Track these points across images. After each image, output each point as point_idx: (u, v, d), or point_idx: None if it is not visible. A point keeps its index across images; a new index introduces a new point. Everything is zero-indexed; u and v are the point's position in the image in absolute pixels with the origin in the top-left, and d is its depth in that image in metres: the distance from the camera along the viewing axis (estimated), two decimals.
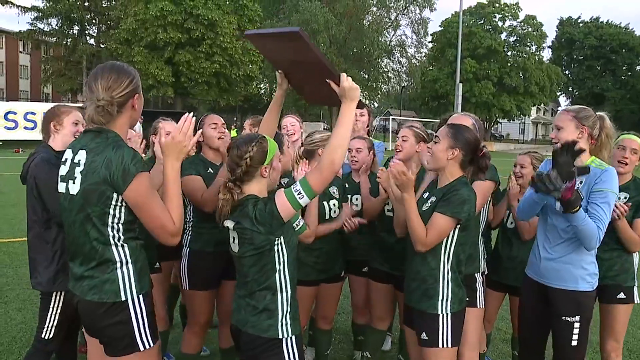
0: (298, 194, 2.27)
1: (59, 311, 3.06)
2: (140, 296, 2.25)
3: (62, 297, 3.05)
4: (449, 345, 2.68)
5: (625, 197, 3.38)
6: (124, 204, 2.19)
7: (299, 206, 2.31)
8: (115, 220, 2.20)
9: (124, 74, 2.25)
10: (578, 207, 2.64)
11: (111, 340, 2.24)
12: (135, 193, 2.15)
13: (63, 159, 2.31)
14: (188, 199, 3.34)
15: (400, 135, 3.60)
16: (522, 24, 56.41)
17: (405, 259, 2.95)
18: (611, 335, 3.48)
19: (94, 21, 45.98)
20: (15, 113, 26.62)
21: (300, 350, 2.39)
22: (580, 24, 63.83)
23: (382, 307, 3.72)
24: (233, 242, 2.43)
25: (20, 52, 55.34)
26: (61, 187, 2.28)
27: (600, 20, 62.92)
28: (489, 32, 54.71)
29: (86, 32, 45.93)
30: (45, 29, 43.42)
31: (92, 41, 46.12)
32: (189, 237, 3.42)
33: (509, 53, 56.51)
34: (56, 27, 43.58)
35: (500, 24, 56.49)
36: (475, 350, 3.18)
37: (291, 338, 2.36)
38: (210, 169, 3.41)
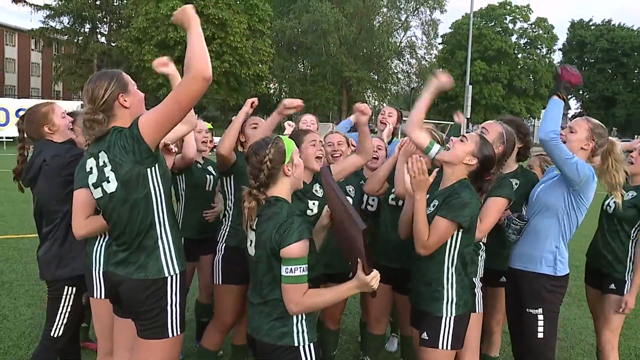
0: None
1: (69, 309, 3.07)
2: (178, 275, 2.39)
3: (74, 294, 3.05)
4: (448, 348, 2.68)
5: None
6: (158, 176, 2.32)
7: None
8: (158, 196, 2.34)
9: (101, 81, 2.36)
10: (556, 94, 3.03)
11: (147, 323, 2.36)
12: (144, 123, 2.23)
13: (88, 169, 2.39)
14: (232, 195, 3.50)
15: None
16: (533, 26, 56.20)
17: (403, 252, 2.99)
18: (605, 326, 3.55)
19: (105, 20, 46.24)
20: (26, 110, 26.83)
21: (318, 356, 2.35)
22: (592, 27, 63.36)
23: (378, 307, 3.69)
24: (250, 245, 2.42)
25: (32, 49, 55.74)
26: (97, 193, 2.38)
27: (612, 23, 62.40)
28: (500, 34, 54.54)
29: (97, 30, 46.19)
30: (57, 27, 43.71)
31: (103, 39, 46.41)
32: (226, 232, 3.48)
33: (519, 55, 56.30)
34: (68, 25, 43.86)
35: (510, 26, 56.32)
36: (475, 354, 3.16)
37: (308, 345, 2.30)
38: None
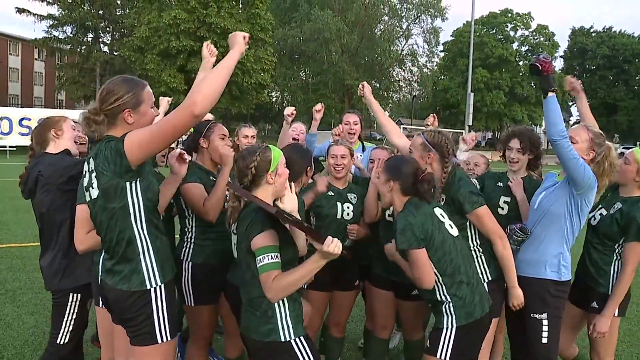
0: None
1: (74, 317, 3.09)
2: (162, 285, 2.41)
3: (79, 301, 3.07)
4: (447, 359, 2.69)
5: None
6: (138, 190, 2.34)
7: None
8: (140, 207, 2.36)
9: (117, 88, 2.39)
10: (550, 91, 2.96)
11: (134, 330, 2.40)
12: (129, 141, 2.24)
13: (83, 171, 2.46)
14: (190, 209, 3.26)
15: (376, 158, 3.81)
16: (534, 33, 56.38)
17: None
18: (592, 347, 3.49)
19: (107, 29, 46.44)
20: (29, 119, 26.92)
21: (312, 349, 2.42)
22: (593, 34, 63.53)
23: (383, 314, 3.72)
24: (234, 247, 2.56)
25: (36, 59, 56.06)
26: (87, 196, 2.43)
27: (613, 30, 62.56)
28: (501, 42, 54.71)
29: (100, 39, 46.38)
30: (60, 37, 43.92)
31: (105, 49, 46.56)
32: (190, 250, 3.26)
33: (521, 62, 56.41)
34: (71, 35, 44.06)
35: (512, 33, 56.50)
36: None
37: (299, 339, 2.38)
38: (212, 177, 3.32)
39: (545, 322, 3.11)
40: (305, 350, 2.38)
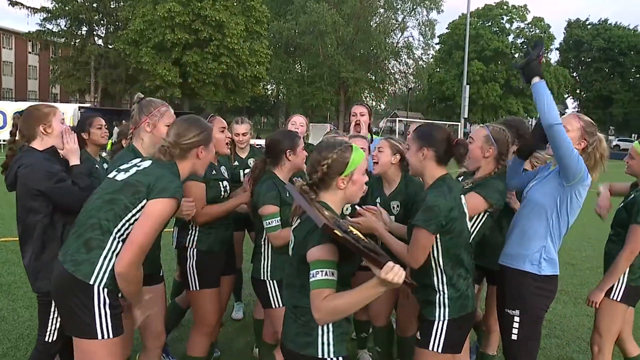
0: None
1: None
2: (106, 290, 2.36)
3: None
4: (439, 351, 2.65)
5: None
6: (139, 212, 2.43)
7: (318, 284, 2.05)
8: (132, 220, 2.40)
9: (195, 126, 2.66)
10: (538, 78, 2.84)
11: (69, 317, 2.38)
12: (152, 207, 2.39)
13: (130, 162, 2.62)
14: None
15: (377, 146, 3.55)
16: (530, 26, 56.37)
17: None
18: (594, 328, 3.53)
19: (102, 22, 46.27)
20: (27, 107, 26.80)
21: None
22: (589, 26, 63.51)
23: (380, 303, 3.59)
24: (291, 244, 2.36)
25: (29, 52, 55.78)
26: (112, 174, 2.57)
27: (609, 22, 62.57)
28: (496, 34, 54.68)
29: (94, 32, 46.22)
30: (54, 30, 43.74)
31: (100, 42, 46.43)
32: (195, 238, 3.36)
33: (517, 55, 56.38)
34: (65, 28, 43.92)
35: (507, 26, 56.47)
36: (466, 355, 3.18)
37: (336, 359, 2.17)
38: (213, 170, 3.40)
39: (517, 319, 2.98)
40: None
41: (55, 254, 2.92)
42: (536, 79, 2.85)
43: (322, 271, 2.03)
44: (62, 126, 3.17)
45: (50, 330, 3.05)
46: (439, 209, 2.51)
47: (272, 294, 3.24)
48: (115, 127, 3.58)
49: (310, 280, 2.04)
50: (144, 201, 2.39)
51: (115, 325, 2.39)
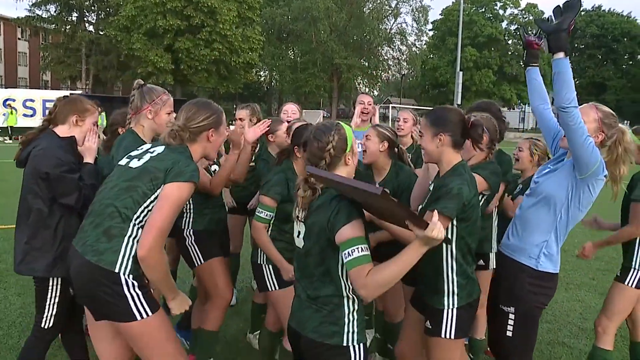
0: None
1: (57, 300, 3.04)
2: (132, 275, 2.38)
3: (59, 285, 3.04)
4: (452, 337, 2.62)
5: None
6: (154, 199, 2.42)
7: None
8: (150, 206, 2.40)
9: (204, 109, 2.66)
10: (564, 53, 2.64)
11: (100, 306, 2.38)
12: (169, 191, 2.39)
13: (139, 149, 2.63)
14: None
15: (365, 135, 3.50)
16: (523, 12, 56.19)
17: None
18: (603, 309, 3.54)
19: (92, 8, 45.76)
20: (14, 100, 26.59)
21: (367, 356, 2.25)
22: (582, 13, 63.33)
23: (393, 300, 3.63)
24: (298, 236, 2.34)
25: (19, 38, 55.11)
26: (123, 161, 2.57)
27: (602, 8, 62.51)
28: (490, 21, 54.52)
29: (85, 19, 45.72)
30: (43, 16, 43.19)
31: (91, 28, 45.92)
32: (190, 220, 3.48)
33: (510, 41, 56.35)
34: (55, 14, 43.37)
35: (501, 12, 56.29)
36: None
37: (358, 346, 2.20)
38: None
39: (511, 316, 2.87)
40: (359, 358, 2.21)
41: (46, 242, 2.97)
42: (560, 55, 2.63)
43: (357, 248, 2.03)
44: (93, 127, 3.21)
45: (47, 316, 3.05)
46: (461, 197, 2.44)
47: (267, 277, 3.33)
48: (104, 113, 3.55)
49: (347, 260, 2.03)
50: (162, 187, 2.40)
51: (150, 302, 2.42)
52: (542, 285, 2.86)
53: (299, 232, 2.34)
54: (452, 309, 2.62)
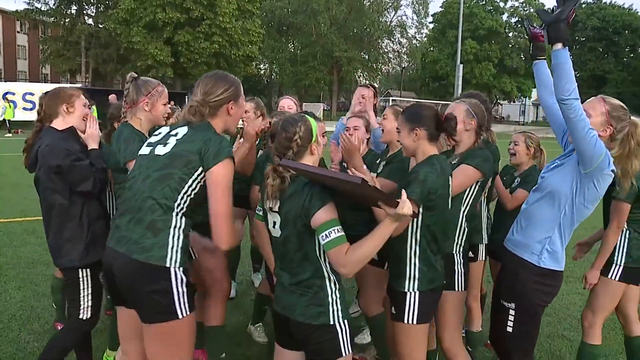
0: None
1: (90, 290, 3.07)
2: (182, 268, 2.32)
3: (89, 275, 3.06)
4: (414, 322, 2.69)
5: None
6: (203, 181, 2.35)
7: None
8: (189, 192, 2.34)
9: (222, 82, 2.54)
10: (563, 44, 2.57)
11: (148, 306, 2.29)
12: (216, 174, 2.33)
13: (156, 132, 2.53)
14: None
15: (383, 114, 3.65)
16: (524, 4, 55.97)
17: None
18: (587, 304, 3.49)
19: (92, 1, 45.60)
20: (14, 94, 26.54)
21: (351, 332, 2.40)
22: (583, 5, 63.07)
23: (373, 292, 3.64)
24: (274, 226, 2.40)
25: (18, 32, 54.97)
26: (144, 150, 2.48)
27: (604, 1, 62.29)
28: (490, 13, 54.35)
29: (84, 12, 45.58)
30: (42, 9, 43.05)
31: (90, 21, 45.78)
32: None
33: (510, 34, 56.19)
34: (54, 7, 43.22)
35: (501, 4, 56.11)
36: (456, 330, 3.13)
37: (343, 322, 2.34)
38: None
39: (512, 312, 2.84)
40: (346, 333, 2.34)
41: (75, 232, 3.02)
42: (559, 46, 2.58)
43: (333, 229, 2.19)
44: (85, 110, 3.21)
45: (84, 308, 3.07)
46: (427, 183, 2.59)
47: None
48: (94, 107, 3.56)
49: (324, 242, 2.19)
50: (200, 169, 2.33)
51: (190, 302, 2.38)
52: (543, 282, 2.80)
53: (274, 223, 2.40)
54: (414, 294, 2.69)
